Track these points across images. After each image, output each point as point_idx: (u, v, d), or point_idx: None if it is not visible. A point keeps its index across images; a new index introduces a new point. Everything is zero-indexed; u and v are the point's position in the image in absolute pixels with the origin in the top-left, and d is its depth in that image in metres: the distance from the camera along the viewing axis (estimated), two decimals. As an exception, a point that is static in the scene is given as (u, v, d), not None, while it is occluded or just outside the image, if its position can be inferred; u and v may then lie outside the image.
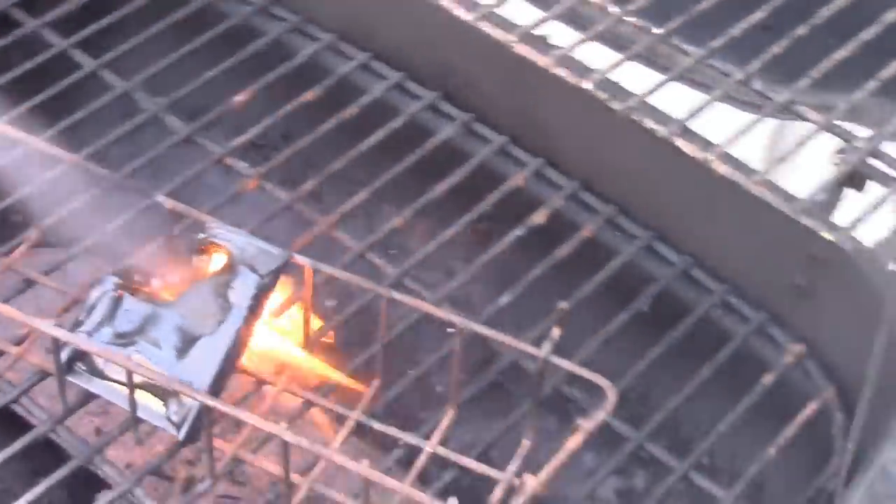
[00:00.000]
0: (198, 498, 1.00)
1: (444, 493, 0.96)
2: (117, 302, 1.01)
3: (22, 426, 1.09)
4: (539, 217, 1.22)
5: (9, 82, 1.26)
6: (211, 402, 0.93)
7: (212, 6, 1.37)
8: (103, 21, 1.32)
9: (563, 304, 0.99)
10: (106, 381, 1.00)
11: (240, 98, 1.28)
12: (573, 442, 0.94)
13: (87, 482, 1.10)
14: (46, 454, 1.14)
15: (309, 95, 1.29)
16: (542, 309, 1.10)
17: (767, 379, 1.14)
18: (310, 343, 1.07)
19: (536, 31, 1.21)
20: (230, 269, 1.02)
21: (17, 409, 1.06)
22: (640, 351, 1.15)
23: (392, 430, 1.03)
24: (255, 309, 1.01)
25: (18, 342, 1.06)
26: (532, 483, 0.91)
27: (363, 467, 0.90)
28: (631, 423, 1.11)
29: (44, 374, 1.05)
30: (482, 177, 1.27)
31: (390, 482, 0.90)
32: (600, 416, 0.95)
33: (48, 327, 0.96)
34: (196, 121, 1.26)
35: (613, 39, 1.16)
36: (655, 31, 1.16)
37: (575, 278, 1.18)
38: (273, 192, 1.22)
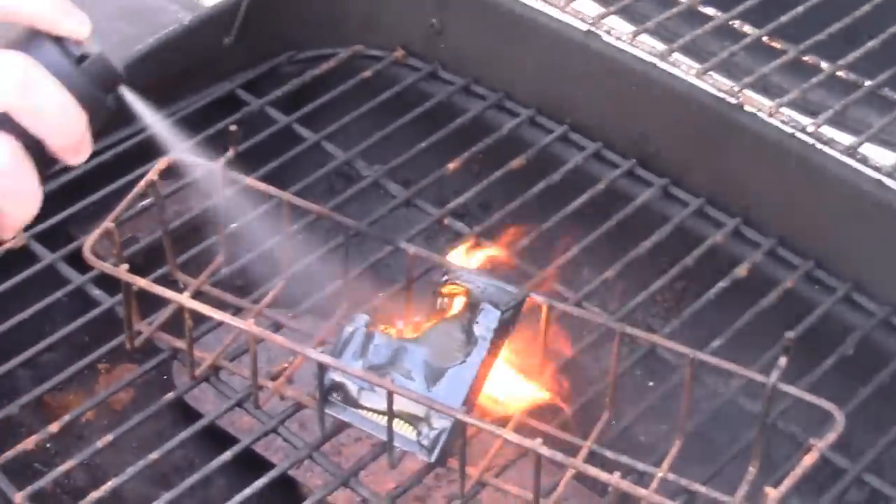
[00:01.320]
0: (447, 518, 1.07)
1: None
2: (368, 338, 1.09)
3: (263, 465, 1.17)
4: (740, 271, 1.29)
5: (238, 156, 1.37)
6: (467, 419, 1.01)
7: (415, 86, 1.48)
8: (318, 101, 1.44)
9: (790, 334, 1.05)
10: (360, 411, 1.08)
11: (452, 166, 1.37)
12: (809, 459, 0.99)
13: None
14: (285, 492, 1.23)
15: (514, 164, 1.38)
16: (747, 355, 1.17)
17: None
18: (544, 376, 1.14)
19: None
20: (472, 306, 1.10)
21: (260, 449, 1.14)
22: (844, 396, 1.20)
23: (624, 459, 1.09)
24: (496, 342, 1.09)
25: (273, 378, 1.14)
26: (774, 495, 0.96)
27: (614, 477, 0.96)
28: (845, 454, 1.16)
29: (298, 407, 1.13)
30: (678, 238, 1.35)
31: (639, 490, 0.96)
32: (832, 437, 1.01)
33: (315, 354, 1.04)
34: (411, 186, 1.35)
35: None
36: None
37: (776, 328, 1.25)
38: (488, 247, 1.30)
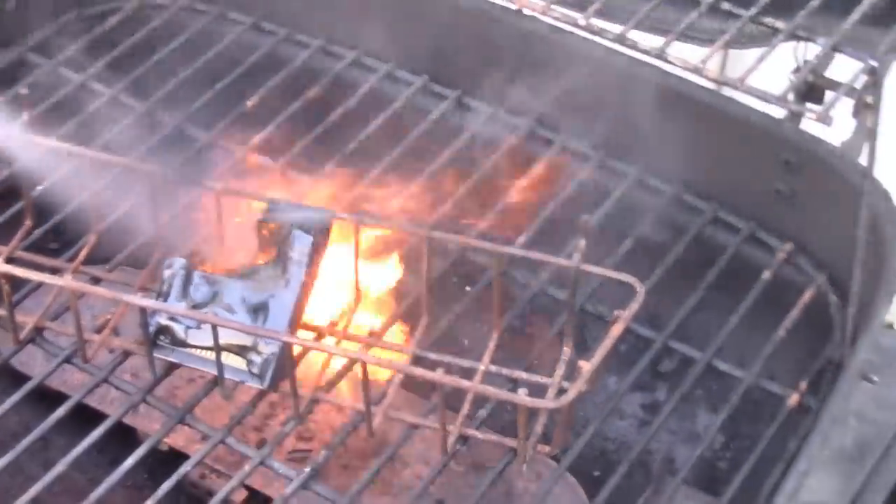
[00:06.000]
0: (285, 437, 1.11)
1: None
2: (188, 279, 1.12)
3: (100, 419, 1.19)
4: (540, 170, 1.35)
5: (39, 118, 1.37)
6: (293, 339, 1.05)
7: (205, 30, 1.49)
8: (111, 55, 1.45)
9: (586, 217, 1.11)
10: (189, 350, 1.11)
11: (250, 103, 1.40)
12: (616, 329, 1.06)
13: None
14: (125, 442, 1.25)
15: (310, 95, 1.42)
16: (552, 250, 1.23)
17: (766, 275, 1.27)
18: (360, 292, 1.18)
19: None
20: (285, 236, 1.13)
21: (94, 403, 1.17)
22: (645, 274, 1.27)
23: (446, 358, 1.15)
24: (312, 264, 1.13)
25: (98, 331, 1.17)
26: (587, 367, 1.03)
27: (438, 374, 1.02)
28: (653, 328, 1.24)
29: (127, 356, 1.15)
30: (477, 146, 1.40)
31: (464, 383, 1.02)
32: (635, 307, 1.08)
33: (138, 299, 1.07)
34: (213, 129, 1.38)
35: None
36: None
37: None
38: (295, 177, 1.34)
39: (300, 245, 1.13)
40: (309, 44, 1.48)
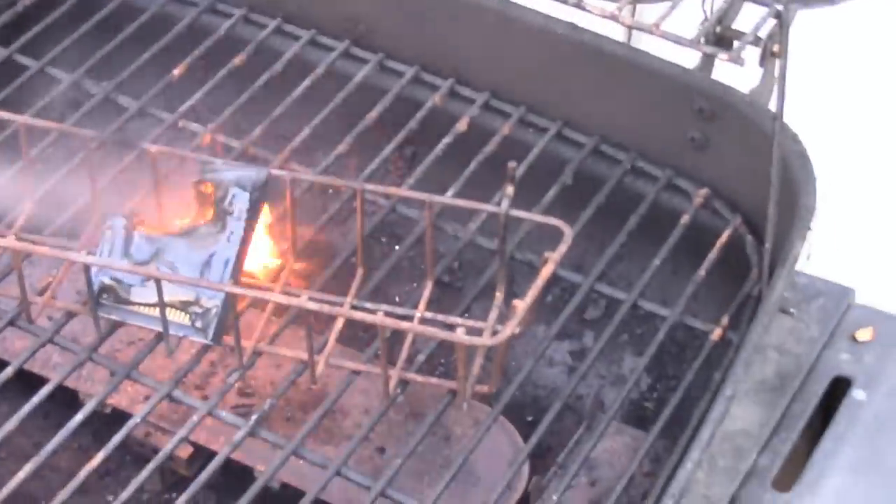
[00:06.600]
0: (229, 389, 1.14)
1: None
2: (129, 238, 1.15)
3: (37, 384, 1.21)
4: (461, 126, 1.39)
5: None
6: (236, 289, 1.08)
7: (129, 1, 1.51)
8: (36, 27, 1.46)
9: (512, 163, 1.15)
10: (132, 307, 1.14)
11: (177, 72, 1.42)
12: (546, 270, 1.10)
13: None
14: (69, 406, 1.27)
15: (236, 62, 1.44)
16: (480, 199, 1.27)
17: (684, 220, 1.32)
18: (296, 246, 1.22)
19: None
20: (223, 194, 1.16)
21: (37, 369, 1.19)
22: (570, 220, 1.32)
23: (383, 307, 1.18)
24: (251, 221, 1.16)
25: (40, 293, 1.19)
26: (521, 305, 1.07)
27: (379, 317, 1.05)
28: (579, 272, 1.29)
29: (69, 317, 1.18)
30: (400, 107, 1.44)
31: (403, 324, 1.06)
32: (563, 248, 1.12)
33: (81, 256, 1.09)
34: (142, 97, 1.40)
35: None
36: None
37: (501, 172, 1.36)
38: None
39: (238, 202, 1.16)
40: (231, 13, 1.50)
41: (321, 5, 1.49)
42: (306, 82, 1.43)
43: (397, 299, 1.40)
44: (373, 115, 1.40)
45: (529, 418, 1.35)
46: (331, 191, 1.44)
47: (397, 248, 1.44)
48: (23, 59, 1.43)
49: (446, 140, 1.38)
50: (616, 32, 1.43)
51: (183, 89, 1.43)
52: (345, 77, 1.45)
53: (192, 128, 1.38)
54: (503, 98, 1.43)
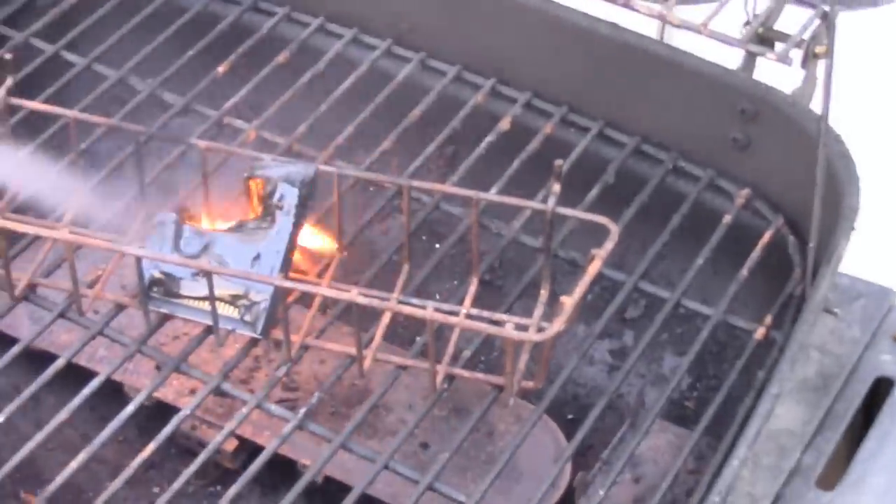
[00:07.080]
0: (277, 382, 1.15)
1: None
2: (178, 232, 1.16)
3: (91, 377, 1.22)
4: (504, 124, 1.40)
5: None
6: (286, 283, 1.09)
7: None
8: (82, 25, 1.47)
9: (559, 162, 1.16)
10: (182, 301, 1.15)
11: (221, 69, 1.44)
12: (594, 267, 1.11)
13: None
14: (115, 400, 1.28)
15: (280, 60, 1.45)
16: (523, 197, 1.28)
17: (726, 220, 1.33)
18: (342, 241, 1.22)
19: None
20: (272, 190, 1.17)
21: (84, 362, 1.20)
22: (613, 218, 1.33)
23: (429, 303, 1.19)
24: (299, 216, 1.17)
25: (90, 286, 1.20)
26: (569, 301, 1.08)
27: (429, 311, 1.06)
28: (620, 271, 1.29)
29: (119, 309, 1.19)
30: (443, 106, 1.45)
31: (452, 318, 1.06)
32: (609, 245, 1.13)
33: (134, 249, 1.10)
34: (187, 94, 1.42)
35: None
36: None
37: (544, 171, 1.37)
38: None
39: (287, 198, 1.17)
40: (275, 12, 1.51)
41: (363, 4, 1.50)
42: (349, 81, 1.44)
43: (438, 297, 1.40)
44: (415, 113, 1.41)
45: (570, 416, 1.36)
46: (372, 188, 1.45)
47: (438, 245, 1.45)
48: (69, 56, 1.45)
49: (489, 139, 1.39)
50: (649, 31, 1.44)
51: (227, 87, 1.44)
52: (387, 76, 1.46)
53: (236, 124, 1.39)
54: (545, 98, 1.43)
